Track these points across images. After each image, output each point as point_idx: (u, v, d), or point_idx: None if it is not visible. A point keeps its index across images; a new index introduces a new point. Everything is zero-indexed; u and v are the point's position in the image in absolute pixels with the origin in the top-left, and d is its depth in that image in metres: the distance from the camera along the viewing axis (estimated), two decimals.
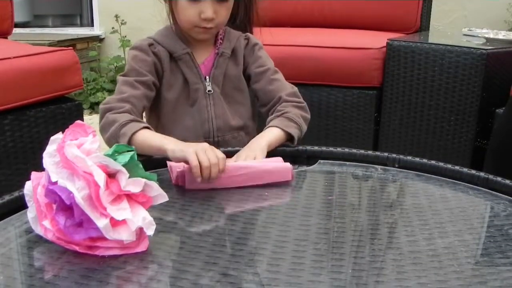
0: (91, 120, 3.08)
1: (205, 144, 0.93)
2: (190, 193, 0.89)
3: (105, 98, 3.35)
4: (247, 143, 1.08)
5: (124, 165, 0.67)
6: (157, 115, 1.22)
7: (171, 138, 1.01)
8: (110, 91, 3.46)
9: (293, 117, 1.14)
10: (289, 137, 1.11)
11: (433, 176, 0.99)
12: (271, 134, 1.10)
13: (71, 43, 3.56)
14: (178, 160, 0.93)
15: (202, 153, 0.90)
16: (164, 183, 0.90)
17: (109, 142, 1.05)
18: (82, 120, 1.73)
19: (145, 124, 1.04)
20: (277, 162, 0.96)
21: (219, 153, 0.92)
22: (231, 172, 0.91)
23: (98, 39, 3.85)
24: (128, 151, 0.68)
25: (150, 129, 1.04)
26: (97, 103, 3.35)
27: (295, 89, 1.23)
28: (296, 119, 1.14)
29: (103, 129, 1.07)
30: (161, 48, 1.19)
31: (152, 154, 1.01)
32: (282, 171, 0.94)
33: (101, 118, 1.09)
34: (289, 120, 1.13)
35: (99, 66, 3.64)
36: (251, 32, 1.30)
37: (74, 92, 1.76)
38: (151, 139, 1.02)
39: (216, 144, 1.21)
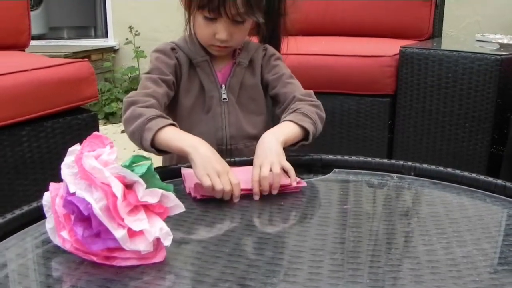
0: (106, 130, 3.11)
1: (221, 169, 0.91)
2: (206, 203, 0.90)
3: (119, 108, 3.40)
4: None
5: (141, 176, 0.67)
6: (172, 119, 1.23)
7: (196, 141, 0.98)
8: None
9: (308, 112, 1.12)
10: (304, 134, 1.09)
11: (449, 184, 0.98)
12: (286, 129, 1.06)
13: (86, 54, 3.60)
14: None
15: (215, 177, 0.90)
16: (180, 194, 0.91)
17: (133, 135, 1.04)
18: (98, 130, 1.75)
19: (171, 121, 1.03)
20: (290, 184, 0.94)
21: (233, 179, 0.91)
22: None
23: (112, 50, 3.88)
24: (145, 162, 0.69)
25: (176, 127, 1.03)
26: (112, 114, 3.38)
27: (311, 91, 1.23)
28: (311, 115, 1.11)
29: (127, 122, 1.06)
30: (181, 54, 1.20)
31: (174, 152, 1.01)
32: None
33: (125, 110, 1.08)
34: (304, 115, 1.10)
35: (113, 77, 3.67)
36: (280, 44, 1.30)
37: (89, 103, 1.78)
38: (173, 140, 0.99)
39: (229, 152, 1.21)
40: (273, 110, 1.27)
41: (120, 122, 3.45)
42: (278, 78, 1.23)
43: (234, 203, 0.89)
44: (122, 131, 3.15)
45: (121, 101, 3.46)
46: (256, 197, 0.91)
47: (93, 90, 1.73)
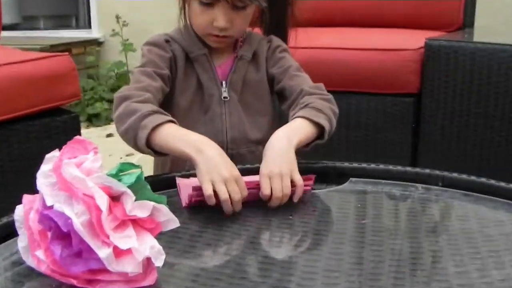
0: (89, 134, 3.12)
1: (228, 175, 0.90)
2: (204, 217, 0.89)
3: (104, 109, 3.41)
4: None
5: (129, 187, 0.67)
6: None
7: (200, 140, 0.97)
8: (110, 101, 3.50)
9: (321, 107, 1.11)
10: (319, 131, 1.08)
11: (484, 196, 0.98)
12: (300, 128, 1.05)
13: (66, 47, 3.62)
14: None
15: (221, 184, 0.89)
16: (174, 207, 0.90)
17: (126, 134, 1.04)
18: (79, 134, 1.75)
19: (170, 118, 1.02)
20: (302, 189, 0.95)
21: (243, 188, 0.90)
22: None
23: (97, 42, 3.90)
24: (134, 170, 0.69)
25: (176, 124, 1.02)
26: (96, 115, 3.39)
27: (320, 84, 1.23)
28: (324, 110, 1.11)
29: (120, 120, 1.06)
30: (177, 47, 1.21)
31: (172, 154, 1.01)
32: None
33: (116, 107, 1.08)
34: (317, 111, 1.10)
35: (97, 73, 3.69)
36: (286, 36, 1.31)
37: (70, 103, 1.78)
38: (173, 139, 0.98)
39: (230, 157, 1.21)
40: (280, 107, 1.27)
41: (106, 125, 3.49)
42: (284, 71, 1.24)
43: (236, 216, 0.89)
44: (108, 135, 3.16)
45: (107, 101, 3.47)
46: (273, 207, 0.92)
47: (74, 88, 1.73)
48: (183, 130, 1.01)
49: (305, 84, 1.20)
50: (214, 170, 0.90)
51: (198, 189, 0.90)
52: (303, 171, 0.98)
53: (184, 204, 0.93)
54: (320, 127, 1.08)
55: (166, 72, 1.17)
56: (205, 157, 0.93)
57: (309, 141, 1.07)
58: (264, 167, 0.96)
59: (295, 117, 1.09)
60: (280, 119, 1.29)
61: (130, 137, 1.02)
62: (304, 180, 0.94)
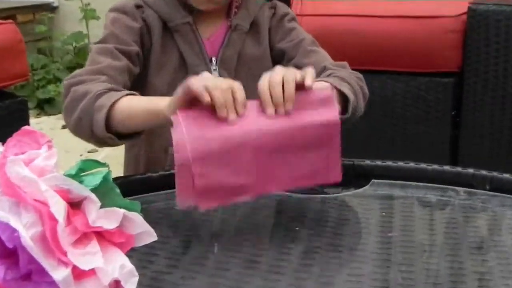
0: (40, 124, 3.12)
1: (207, 74, 0.92)
2: (187, 228, 0.90)
3: (60, 92, 3.41)
4: None
5: (93, 190, 0.67)
6: None
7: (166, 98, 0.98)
8: None
9: (347, 78, 1.12)
10: (342, 101, 1.07)
11: None
12: (321, 86, 1.04)
13: (9, 13, 3.61)
14: (179, 104, 0.90)
15: (210, 78, 0.90)
16: (151, 215, 0.90)
17: (78, 124, 1.05)
18: (28, 123, 1.75)
19: (128, 91, 1.05)
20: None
21: (236, 84, 0.91)
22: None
23: (50, 7, 3.90)
24: (99, 169, 0.69)
25: (136, 95, 1.05)
26: (48, 101, 3.39)
27: (345, 62, 1.23)
28: (350, 81, 1.12)
29: (68, 110, 1.08)
30: (151, 13, 1.21)
31: (141, 127, 1.03)
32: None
33: (65, 96, 1.10)
34: (342, 80, 1.11)
35: (50, 47, 3.69)
36: (290, 2, 1.31)
37: (15, 85, 1.78)
38: (137, 104, 1.02)
39: None
40: None
41: (61, 113, 3.46)
42: (297, 45, 1.24)
43: (228, 229, 0.89)
44: (64, 127, 3.15)
45: (62, 82, 3.47)
46: (270, 110, 0.90)
47: (21, 65, 1.73)
48: (145, 97, 1.05)
49: (326, 60, 1.21)
50: (205, 80, 0.89)
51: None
52: None
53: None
54: (344, 98, 1.07)
55: (134, 49, 1.18)
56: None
57: None
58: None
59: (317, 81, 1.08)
60: None
61: (85, 125, 1.04)
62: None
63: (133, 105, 1.03)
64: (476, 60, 1.92)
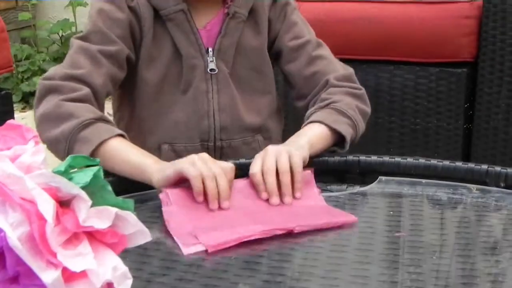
0: (25, 119, 3.11)
1: (204, 155, 0.97)
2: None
3: None
4: None
5: (84, 188, 0.67)
6: (131, 103, 1.24)
7: (155, 157, 1.04)
8: None
9: (345, 109, 1.15)
10: (339, 139, 1.12)
11: None
12: (312, 133, 1.11)
13: None
14: (168, 183, 0.97)
15: (202, 163, 0.95)
16: (145, 214, 0.91)
17: (54, 144, 1.06)
18: (13, 118, 1.75)
19: (119, 131, 1.07)
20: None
21: (225, 163, 0.97)
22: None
23: None
24: (91, 165, 0.69)
25: (125, 138, 1.07)
26: (33, 93, 3.37)
27: (350, 70, 1.24)
28: (349, 112, 1.15)
29: (46, 121, 1.08)
30: (142, 1, 1.20)
31: (124, 175, 1.04)
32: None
33: (40, 99, 1.10)
34: (339, 113, 1.14)
35: (35, 37, 3.68)
36: None
37: None
38: (125, 155, 1.04)
39: (219, 150, 1.22)
40: (292, 96, 1.29)
41: None
42: (300, 47, 1.25)
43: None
44: None
45: None
46: (275, 199, 0.97)
47: (3, 56, 1.73)
48: (134, 148, 1.06)
49: (331, 72, 1.22)
50: (187, 159, 0.97)
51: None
52: (316, 168, 0.99)
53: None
54: (340, 135, 1.12)
55: (119, 49, 1.17)
56: (167, 163, 1.01)
57: (324, 148, 1.12)
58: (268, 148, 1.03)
59: (311, 122, 1.13)
60: (285, 101, 1.30)
61: (61, 149, 1.05)
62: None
63: (121, 155, 1.04)
64: (492, 49, 1.92)
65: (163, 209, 0.94)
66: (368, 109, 1.21)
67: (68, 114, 1.06)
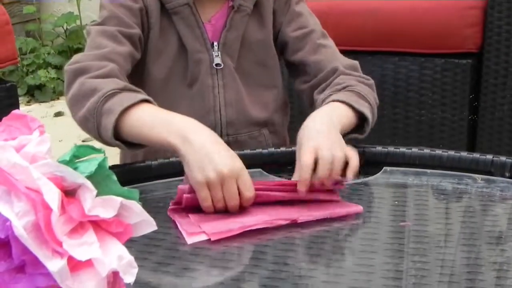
0: (31, 112, 3.12)
1: (227, 170, 0.91)
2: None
3: (51, 78, 3.41)
4: (271, 145, 1.08)
5: (89, 177, 0.67)
6: None
7: (188, 124, 0.98)
8: (59, 68, 3.49)
9: (364, 93, 1.14)
10: (359, 122, 1.11)
11: None
12: (339, 112, 1.08)
13: None
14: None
15: (216, 187, 0.90)
16: (150, 204, 0.92)
17: (85, 123, 1.05)
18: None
19: (144, 96, 1.03)
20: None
21: (246, 188, 0.92)
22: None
23: None
24: (95, 155, 0.69)
25: (152, 103, 1.03)
26: (39, 87, 3.39)
27: (355, 62, 1.24)
28: (368, 96, 1.13)
29: (75, 103, 1.06)
30: None
31: (150, 145, 1.02)
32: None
33: (69, 85, 1.09)
34: (359, 97, 1.12)
35: (39, 30, 3.68)
36: None
37: (3, 70, 1.79)
38: (150, 125, 0.99)
39: None
40: (296, 86, 1.28)
41: (53, 100, 3.48)
42: (305, 36, 1.25)
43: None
44: (57, 114, 3.16)
45: (54, 67, 3.47)
46: (303, 189, 0.94)
47: (8, 48, 1.73)
48: (162, 112, 1.01)
49: (336, 59, 1.22)
50: (208, 164, 0.91)
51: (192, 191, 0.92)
52: None
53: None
54: (362, 117, 1.10)
55: (137, 32, 1.17)
56: (194, 148, 0.93)
57: (349, 129, 1.09)
58: (300, 143, 0.99)
59: (330, 101, 1.10)
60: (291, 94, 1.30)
61: (91, 127, 1.03)
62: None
63: (144, 122, 1.00)
64: (497, 40, 1.92)
65: (171, 206, 0.93)
66: (377, 100, 1.20)
67: (91, 90, 1.04)
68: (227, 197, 0.91)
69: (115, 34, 1.14)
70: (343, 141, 1.01)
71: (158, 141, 0.98)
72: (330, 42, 1.26)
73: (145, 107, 1.01)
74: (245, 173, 0.92)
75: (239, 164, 0.93)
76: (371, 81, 1.21)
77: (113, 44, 1.13)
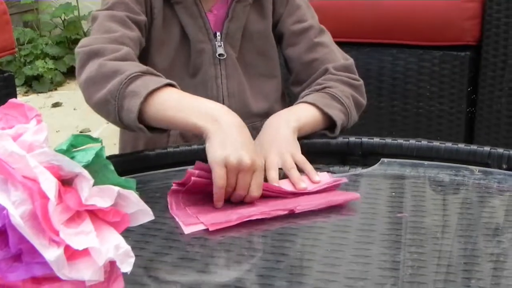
0: (28, 103, 3.12)
1: (249, 162, 0.91)
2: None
3: (49, 69, 3.40)
4: None
5: (86, 166, 0.67)
6: None
7: (217, 107, 0.99)
8: (57, 59, 3.49)
9: (339, 95, 1.14)
10: (329, 123, 1.12)
11: None
12: (302, 112, 1.10)
13: None
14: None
15: (234, 172, 0.90)
16: (147, 195, 0.92)
17: (103, 105, 1.03)
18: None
19: (169, 80, 1.02)
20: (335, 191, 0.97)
21: (257, 186, 0.92)
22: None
23: None
24: (92, 144, 0.69)
25: (176, 87, 1.02)
26: (37, 78, 3.38)
27: (350, 60, 1.24)
28: (343, 98, 1.14)
29: (92, 84, 1.05)
30: None
31: (175, 129, 1.05)
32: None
33: (83, 66, 1.07)
34: (332, 99, 1.14)
35: (37, 20, 3.67)
36: None
37: (1, 60, 1.78)
38: (176, 109, 0.98)
39: None
40: (289, 82, 1.29)
41: (51, 90, 3.47)
42: (302, 32, 1.25)
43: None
44: (54, 105, 3.16)
45: (51, 58, 3.46)
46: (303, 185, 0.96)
47: (6, 39, 1.73)
48: (188, 96, 1.01)
49: (331, 61, 1.22)
50: (231, 148, 0.91)
51: (202, 168, 0.91)
52: (318, 149, 0.99)
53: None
54: (331, 120, 1.11)
55: (143, 19, 1.17)
56: (222, 127, 0.94)
57: (313, 131, 1.11)
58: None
59: (301, 102, 1.12)
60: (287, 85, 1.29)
61: (111, 109, 1.02)
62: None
63: (171, 105, 0.99)
64: (496, 32, 1.91)
65: (174, 187, 0.93)
66: (363, 101, 1.20)
67: (113, 72, 1.03)
68: (239, 186, 0.91)
69: (124, 19, 1.14)
70: (296, 146, 1.03)
71: (184, 124, 0.98)
72: (327, 39, 1.26)
73: (171, 90, 1.01)
74: (261, 173, 0.93)
75: (259, 162, 0.93)
76: (359, 82, 1.21)
77: (123, 29, 1.13)
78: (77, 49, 1.10)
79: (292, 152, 1.01)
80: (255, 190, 0.92)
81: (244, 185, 0.91)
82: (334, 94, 1.14)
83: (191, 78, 1.22)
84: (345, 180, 0.97)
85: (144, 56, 1.20)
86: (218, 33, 1.22)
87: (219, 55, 1.21)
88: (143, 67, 1.05)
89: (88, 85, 1.06)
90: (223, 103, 1.21)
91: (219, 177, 0.89)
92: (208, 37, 1.21)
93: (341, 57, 1.24)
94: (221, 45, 1.21)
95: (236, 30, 1.22)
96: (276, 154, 1.00)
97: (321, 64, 1.21)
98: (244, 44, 1.24)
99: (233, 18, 1.22)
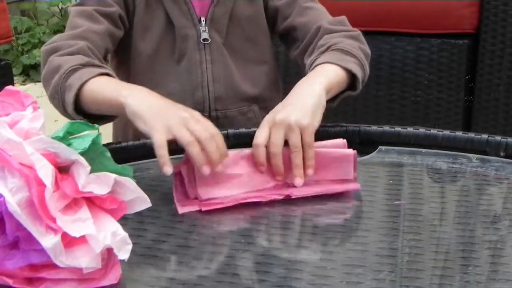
0: (26, 92, 3.12)
1: (196, 112, 0.92)
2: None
3: None
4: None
5: (82, 154, 0.67)
6: (126, 74, 1.24)
7: (140, 89, 0.99)
8: None
9: (348, 48, 1.12)
10: (350, 79, 1.09)
11: None
12: (327, 72, 1.06)
13: None
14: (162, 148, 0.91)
15: (194, 122, 0.89)
16: (145, 183, 0.91)
17: (52, 100, 1.07)
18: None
19: (103, 70, 1.04)
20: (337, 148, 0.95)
21: (211, 127, 0.90)
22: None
23: None
24: (89, 131, 0.69)
25: (112, 76, 1.04)
26: (34, 66, 3.38)
27: (343, 17, 1.23)
28: (354, 51, 1.11)
29: (45, 81, 1.08)
30: None
31: (108, 113, 1.03)
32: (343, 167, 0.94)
33: (43, 64, 1.10)
34: (344, 53, 1.10)
35: (34, 9, 3.66)
36: None
37: None
38: (101, 91, 1.01)
39: (215, 120, 1.21)
40: (288, 54, 1.27)
41: None
42: (291, 3, 1.24)
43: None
44: None
45: None
46: (263, 168, 0.91)
47: (2, 27, 1.72)
48: (115, 81, 1.03)
49: (322, 19, 1.21)
50: (164, 114, 0.91)
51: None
52: (317, 137, 0.98)
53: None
54: (351, 75, 1.08)
55: (116, 10, 1.16)
56: (146, 104, 0.94)
57: (341, 90, 1.08)
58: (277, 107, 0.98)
59: (317, 64, 1.08)
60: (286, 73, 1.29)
61: (57, 104, 1.05)
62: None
63: (98, 91, 1.01)
64: (494, 20, 1.91)
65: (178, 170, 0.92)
66: (368, 50, 1.18)
67: (56, 68, 1.06)
68: (196, 131, 0.88)
69: (91, 13, 1.15)
70: (319, 113, 0.98)
71: (111, 106, 0.99)
72: (318, 5, 1.25)
73: (101, 79, 1.03)
74: (205, 120, 0.93)
75: (198, 113, 0.93)
76: (357, 32, 1.19)
77: (89, 23, 1.14)
78: (41, 47, 1.13)
79: (306, 125, 0.94)
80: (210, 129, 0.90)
81: (197, 129, 0.89)
82: (343, 48, 1.12)
83: (176, 64, 1.22)
84: (358, 187, 0.93)
85: (128, 43, 1.21)
86: (203, 18, 1.21)
87: (204, 39, 1.21)
88: (85, 60, 1.06)
89: (43, 82, 1.10)
90: (208, 88, 1.22)
91: (157, 137, 0.89)
92: (192, 22, 1.21)
93: (330, 16, 1.23)
94: (205, 30, 1.21)
95: (222, 15, 1.22)
96: (283, 125, 0.94)
97: (313, 24, 1.20)
98: (231, 29, 1.23)
99: (218, 3, 1.21)
